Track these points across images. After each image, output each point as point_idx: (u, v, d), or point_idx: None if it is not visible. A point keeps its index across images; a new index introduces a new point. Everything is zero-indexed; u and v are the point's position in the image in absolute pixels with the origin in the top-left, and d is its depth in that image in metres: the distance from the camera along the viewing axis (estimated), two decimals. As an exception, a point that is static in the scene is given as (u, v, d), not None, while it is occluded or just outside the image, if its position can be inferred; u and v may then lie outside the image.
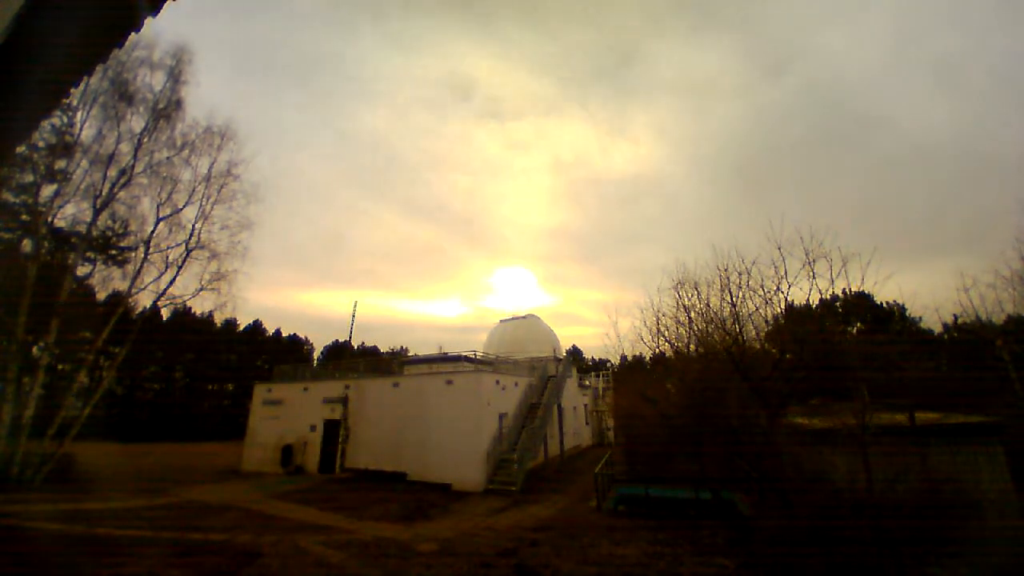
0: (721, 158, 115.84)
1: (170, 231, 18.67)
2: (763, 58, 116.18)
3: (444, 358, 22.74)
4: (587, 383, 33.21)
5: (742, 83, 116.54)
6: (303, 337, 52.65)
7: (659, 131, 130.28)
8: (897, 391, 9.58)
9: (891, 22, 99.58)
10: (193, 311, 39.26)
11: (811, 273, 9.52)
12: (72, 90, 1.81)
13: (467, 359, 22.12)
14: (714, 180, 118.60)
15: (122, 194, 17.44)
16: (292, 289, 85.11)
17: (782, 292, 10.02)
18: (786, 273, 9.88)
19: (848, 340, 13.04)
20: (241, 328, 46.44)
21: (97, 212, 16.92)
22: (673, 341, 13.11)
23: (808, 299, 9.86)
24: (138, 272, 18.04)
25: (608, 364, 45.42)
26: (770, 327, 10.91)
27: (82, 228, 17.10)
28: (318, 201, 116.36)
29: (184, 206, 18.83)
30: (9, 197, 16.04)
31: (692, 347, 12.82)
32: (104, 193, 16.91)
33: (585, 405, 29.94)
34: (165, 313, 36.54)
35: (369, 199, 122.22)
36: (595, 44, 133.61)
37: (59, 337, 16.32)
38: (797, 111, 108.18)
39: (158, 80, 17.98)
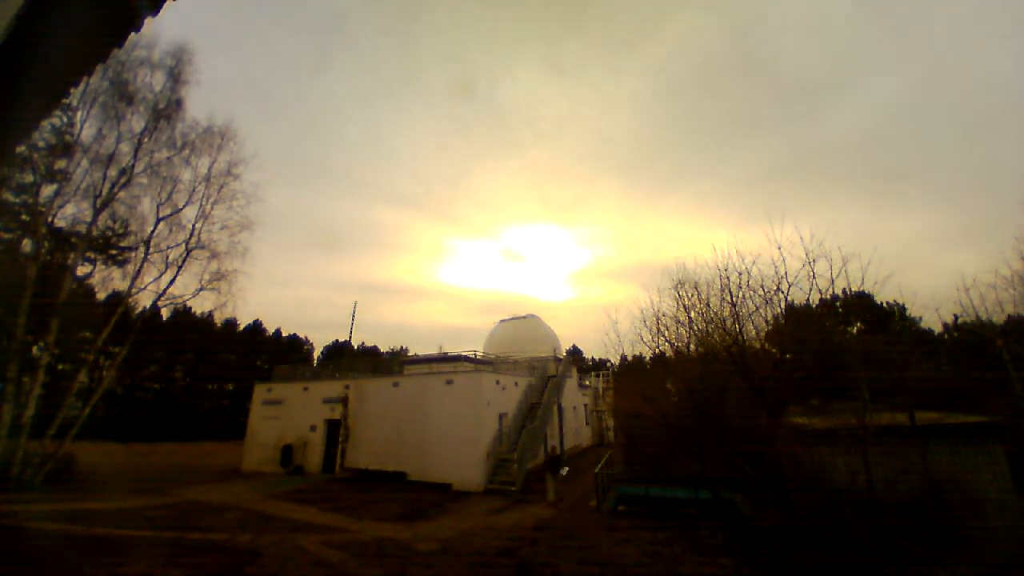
0: (724, 163, 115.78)
1: (170, 231, 18.68)
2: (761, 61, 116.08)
3: (444, 358, 22.75)
4: (587, 383, 33.20)
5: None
6: (303, 337, 52.67)
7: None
8: (897, 391, 9.57)
9: (889, 23, 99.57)
10: (193, 311, 39.28)
11: (811, 273, 9.53)
12: (72, 90, 1.81)
13: (467, 359, 22.13)
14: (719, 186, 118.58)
15: (122, 194, 17.44)
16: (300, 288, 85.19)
17: (782, 292, 10.03)
18: (786, 273, 9.90)
19: (848, 340, 13.03)
20: (241, 328, 46.41)
21: (97, 212, 16.91)
22: (673, 341, 13.14)
23: (808, 299, 9.87)
24: (138, 272, 18.04)
25: (608, 364, 45.43)
26: (770, 327, 10.92)
27: (82, 228, 17.09)
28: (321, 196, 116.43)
29: (184, 206, 18.84)
30: (9, 197, 16.02)
31: (692, 347, 12.84)
32: (104, 193, 16.90)
33: (585, 405, 29.92)
34: (165, 313, 36.49)
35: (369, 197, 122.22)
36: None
37: (59, 337, 16.29)
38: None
39: (158, 80, 17.99)
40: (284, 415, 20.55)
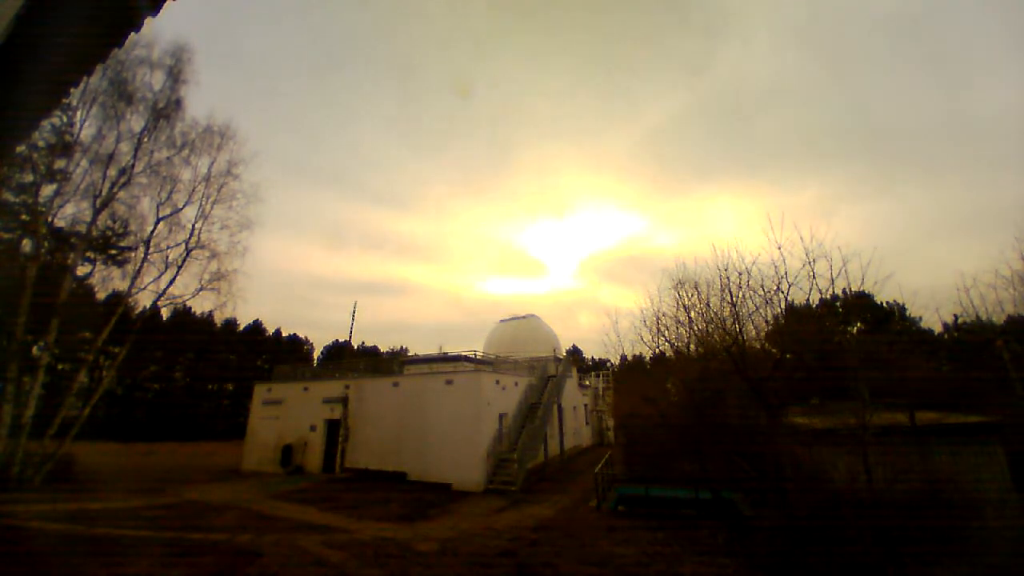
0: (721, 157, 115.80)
1: (170, 231, 18.67)
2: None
3: (444, 358, 22.74)
4: (587, 383, 33.20)
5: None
6: (303, 337, 52.61)
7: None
8: (897, 391, 9.57)
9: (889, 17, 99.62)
10: (193, 311, 39.26)
11: (811, 273, 9.52)
12: (72, 90, 1.81)
13: (467, 359, 22.12)
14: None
15: (122, 194, 17.43)
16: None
17: (782, 292, 10.02)
18: (786, 273, 9.89)
19: (848, 340, 13.03)
20: (241, 328, 46.38)
21: (97, 212, 16.90)
22: (673, 341, 13.15)
23: (808, 299, 9.86)
24: (138, 272, 18.04)
25: (608, 364, 45.41)
26: (770, 327, 10.92)
27: (82, 228, 17.08)
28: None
29: (184, 206, 18.84)
30: (9, 197, 16.02)
31: (692, 347, 12.85)
32: (104, 193, 16.89)
33: (585, 405, 29.92)
34: (165, 313, 36.47)
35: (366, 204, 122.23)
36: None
37: (59, 337, 16.29)
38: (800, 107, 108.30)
39: (158, 79, 17.98)
40: (284, 415, 20.55)
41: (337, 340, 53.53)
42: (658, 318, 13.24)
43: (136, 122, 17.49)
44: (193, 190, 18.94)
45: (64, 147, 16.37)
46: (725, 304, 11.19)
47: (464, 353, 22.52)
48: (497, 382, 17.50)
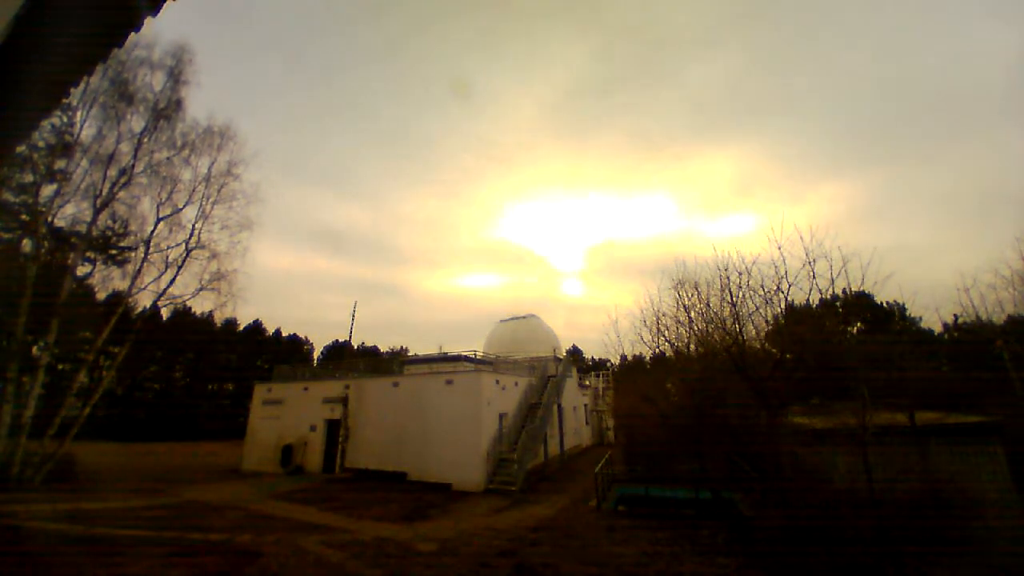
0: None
1: (170, 231, 18.68)
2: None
3: (444, 358, 22.76)
4: (587, 383, 33.21)
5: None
6: (303, 337, 52.68)
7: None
8: (897, 391, 9.57)
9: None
10: (193, 311, 39.30)
11: (811, 273, 9.52)
12: (72, 90, 1.81)
13: (467, 359, 22.13)
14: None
15: (122, 194, 17.43)
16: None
17: (782, 292, 10.01)
18: (786, 273, 9.88)
19: (848, 340, 13.04)
20: (241, 328, 46.44)
21: (97, 212, 16.91)
22: (673, 341, 13.12)
23: (808, 299, 9.86)
24: (138, 272, 18.03)
25: (608, 364, 45.43)
26: (770, 327, 10.91)
27: (82, 228, 17.08)
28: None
29: (184, 206, 18.84)
30: (9, 197, 16.02)
31: (692, 347, 12.82)
32: (104, 193, 16.89)
33: (585, 405, 29.93)
34: (165, 313, 36.47)
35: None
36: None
37: (59, 337, 16.28)
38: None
39: (158, 80, 17.98)
40: (284, 415, 20.55)
41: (337, 340, 53.64)
42: (658, 318, 13.22)
43: (136, 122, 17.53)
44: (193, 190, 18.98)
45: (64, 147, 16.37)
46: (725, 304, 11.17)
47: (464, 353, 22.54)
48: (497, 382, 17.50)
